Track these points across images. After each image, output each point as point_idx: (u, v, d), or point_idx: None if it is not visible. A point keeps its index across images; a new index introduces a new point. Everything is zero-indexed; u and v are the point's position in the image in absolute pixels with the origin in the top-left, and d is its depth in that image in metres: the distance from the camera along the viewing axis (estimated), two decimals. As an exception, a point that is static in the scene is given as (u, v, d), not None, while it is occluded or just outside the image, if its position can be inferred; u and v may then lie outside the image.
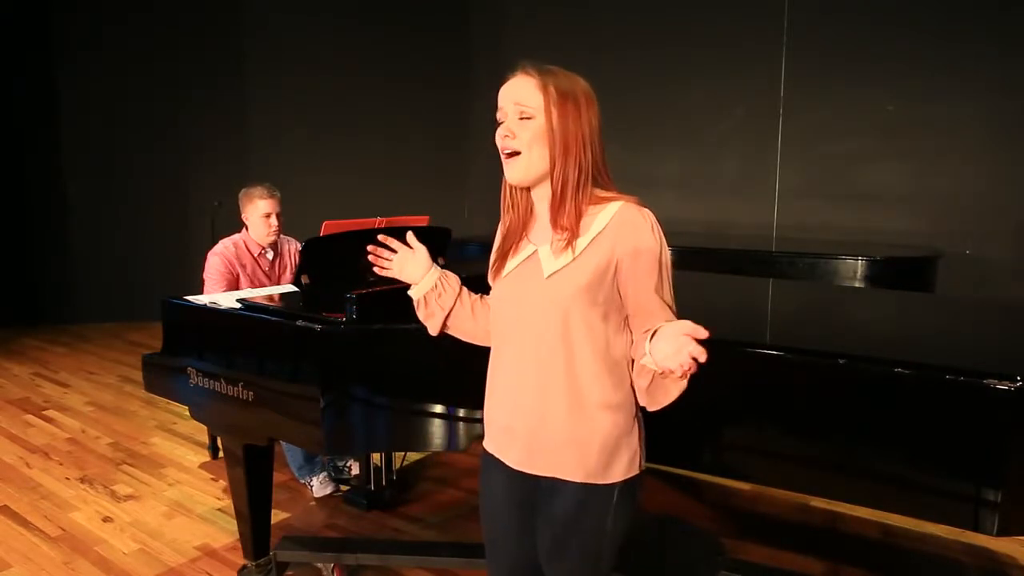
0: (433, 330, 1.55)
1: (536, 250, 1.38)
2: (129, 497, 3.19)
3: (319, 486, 3.15)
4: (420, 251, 1.53)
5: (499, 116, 1.36)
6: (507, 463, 1.43)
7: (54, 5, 6.27)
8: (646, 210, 1.34)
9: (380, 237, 1.54)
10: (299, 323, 2.07)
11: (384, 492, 3.08)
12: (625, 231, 1.31)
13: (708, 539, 2.76)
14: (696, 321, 1.14)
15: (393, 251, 1.54)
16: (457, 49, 6.46)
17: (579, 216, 1.32)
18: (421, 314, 1.55)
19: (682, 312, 1.35)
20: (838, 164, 4.89)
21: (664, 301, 1.32)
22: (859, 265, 3.67)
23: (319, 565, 2.50)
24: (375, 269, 1.55)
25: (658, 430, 1.45)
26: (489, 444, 1.49)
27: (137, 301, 6.29)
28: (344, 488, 3.19)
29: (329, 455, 3.24)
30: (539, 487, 1.41)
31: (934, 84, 4.51)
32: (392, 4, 6.45)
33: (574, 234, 1.32)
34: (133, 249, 6.55)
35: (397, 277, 1.55)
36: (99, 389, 4.76)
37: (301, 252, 2.63)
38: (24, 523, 2.95)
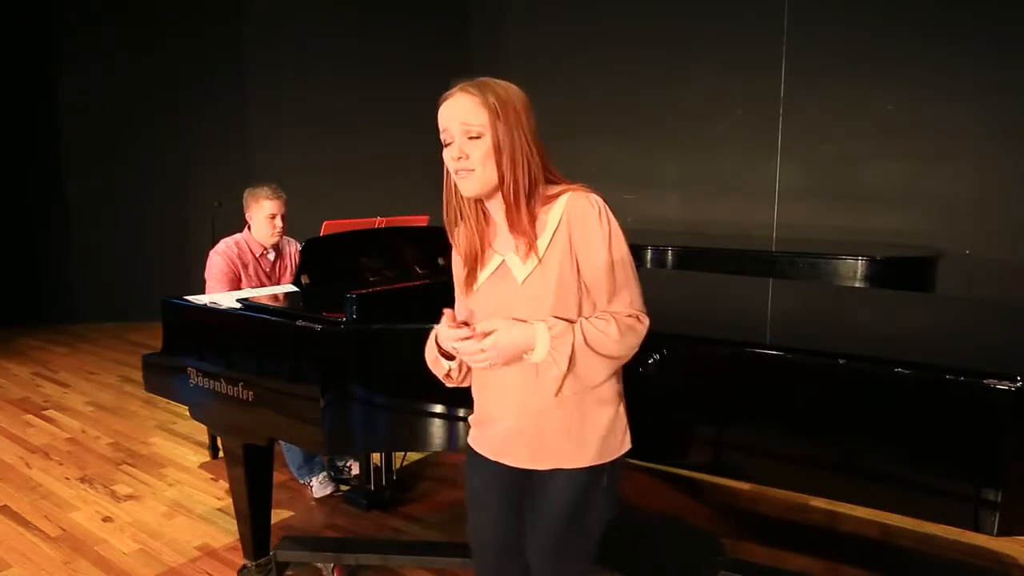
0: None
1: (503, 259, 1.41)
2: (129, 497, 3.19)
3: (319, 486, 3.15)
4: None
5: (444, 137, 1.38)
6: (508, 464, 1.46)
7: (54, 5, 6.27)
8: (593, 196, 1.37)
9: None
10: (299, 323, 2.07)
11: (384, 492, 3.08)
12: (576, 222, 1.35)
13: (708, 539, 2.76)
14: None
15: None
16: (457, 49, 6.45)
17: (534, 219, 1.36)
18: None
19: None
20: (838, 164, 4.90)
21: (617, 283, 1.36)
22: (859, 265, 3.67)
23: (319, 565, 2.50)
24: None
25: (658, 430, 1.45)
26: (484, 448, 1.50)
27: (137, 301, 6.28)
28: (344, 488, 3.20)
29: (329, 455, 3.24)
30: (532, 479, 1.45)
31: (933, 84, 4.51)
32: (392, 4, 6.45)
33: (533, 237, 1.36)
34: (133, 249, 6.55)
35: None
36: (99, 389, 4.76)
37: (301, 252, 2.63)
38: (24, 523, 2.95)
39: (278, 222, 3.14)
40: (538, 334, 1.33)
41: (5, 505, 3.10)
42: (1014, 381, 1.40)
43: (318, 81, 6.34)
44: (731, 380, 1.70)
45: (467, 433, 2.02)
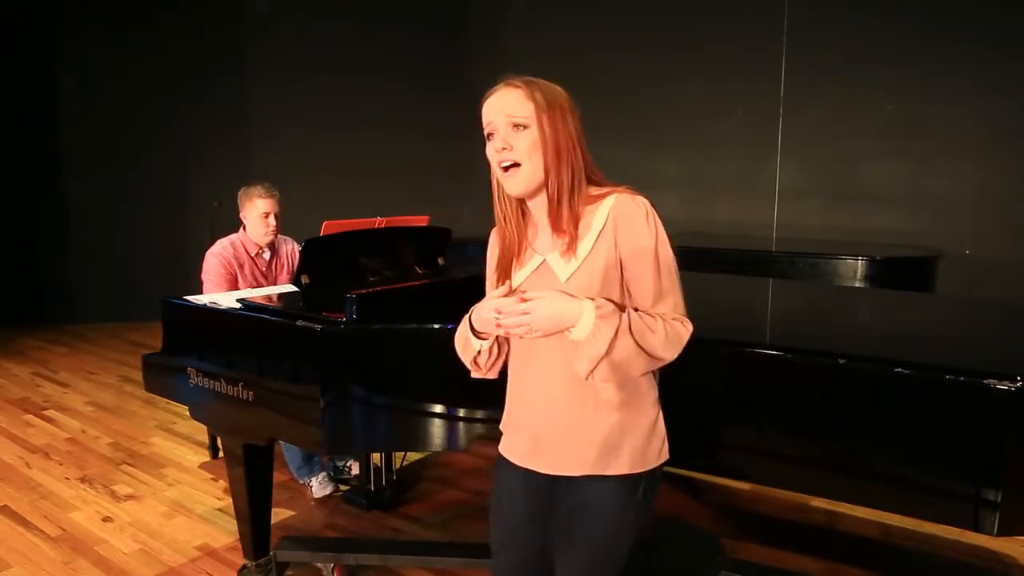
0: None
1: (545, 259, 1.39)
2: (129, 497, 3.19)
3: (318, 486, 3.15)
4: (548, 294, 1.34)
5: (489, 130, 1.36)
6: (537, 470, 1.43)
7: (54, 5, 6.28)
8: (640, 198, 1.37)
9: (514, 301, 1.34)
10: (299, 323, 2.07)
11: (384, 492, 3.08)
12: (622, 224, 1.34)
13: (708, 539, 2.76)
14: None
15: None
16: (457, 49, 6.46)
17: (578, 219, 1.35)
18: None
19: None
20: (838, 164, 4.89)
21: (663, 287, 1.35)
22: (859, 265, 3.67)
23: (319, 565, 2.50)
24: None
25: (658, 430, 1.45)
26: (513, 454, 1.48)
27: (137, 301, 6.29)
28: (344, 488, 3.20)
29: (329, 455, 3.24)
30: (563, 485, 1.42)
31: (933, 84, 4.51)
32: (392, 4, 6.45)
33: (575, 237, 1.34)
34: (133, 249, 6.55)
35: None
36: (99, 389, 4.76)
37: (301, 252, 2.63)
38: (24, 523, 2.95)
39: (271, 221, 3.14)
40: (584, 310, 1.29)
41: (5, 505, 3.10)
42: (1014, 381, 1.40)
43: (318, 81, 6.34)
44: (731, 380, 1.70)
45: (467, 433, 2.03)
